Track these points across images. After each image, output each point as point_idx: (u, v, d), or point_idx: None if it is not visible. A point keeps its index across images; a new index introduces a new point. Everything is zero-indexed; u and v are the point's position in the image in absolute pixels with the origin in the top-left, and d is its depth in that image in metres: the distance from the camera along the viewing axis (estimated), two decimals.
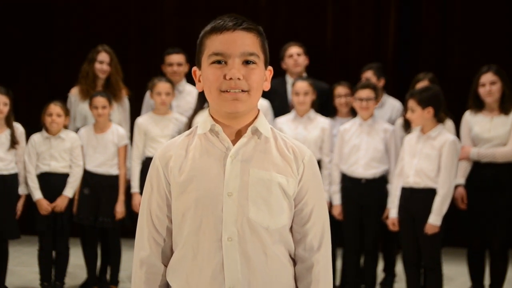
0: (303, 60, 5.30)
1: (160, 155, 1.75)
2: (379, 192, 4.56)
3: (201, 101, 4.68)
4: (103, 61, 5.04)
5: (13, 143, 4.60)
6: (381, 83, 5.16)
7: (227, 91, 1.65)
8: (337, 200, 4.65)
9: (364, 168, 4.56)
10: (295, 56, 5.26)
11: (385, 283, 5.01)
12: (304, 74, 5.31)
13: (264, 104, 4.81)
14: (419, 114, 4.11)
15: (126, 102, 5.19)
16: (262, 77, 1.70)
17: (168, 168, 1.72)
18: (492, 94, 4.47)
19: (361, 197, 4.56)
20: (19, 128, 4.69)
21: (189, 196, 1.67)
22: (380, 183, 4.57)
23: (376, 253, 4.66)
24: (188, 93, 5.26)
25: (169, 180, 1.72)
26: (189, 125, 4.67)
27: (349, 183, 4.62)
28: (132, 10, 7.10)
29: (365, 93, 4.59)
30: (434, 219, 4.04)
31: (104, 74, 5.06)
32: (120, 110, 5.12)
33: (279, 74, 5.33)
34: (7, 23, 7.13)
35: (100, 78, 5.07)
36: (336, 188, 4.65)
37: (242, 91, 1.65)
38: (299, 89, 4.71)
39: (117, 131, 4.87)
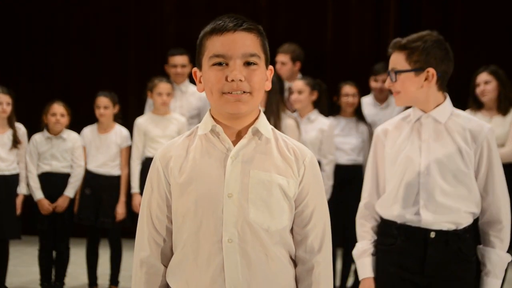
0: (287, 70, 5.24)
1: (160, 156, 1.74)
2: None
3: None
4: None
5: (15, 143, 4.60)
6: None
7: (229, 93, 1.63)
8: None
9: None
10: (279, 65, 5.24)
11: None
12: (299, 75, 5.26)
13: None
14: None
15: None
16: (264, 77, 1.68)
17: (168, 169, 1.70)
18: (486, 93, 4.48)
19: None
20: (21, 128, 4.69)
21: (189, 197, 1.66)
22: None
23: None
24: (192, 94, 5.25)
25: (169, 181, 1.70)
26: None
27: None
28: (132, 10, 7.10)
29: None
30: None
31: None
32: None
33: None
34: (7, 23, 7.13)
35: None
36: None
37: (244, 92, 1.64)
38: (294, 88, 4.72)
39: (120, 132, 4.88)
